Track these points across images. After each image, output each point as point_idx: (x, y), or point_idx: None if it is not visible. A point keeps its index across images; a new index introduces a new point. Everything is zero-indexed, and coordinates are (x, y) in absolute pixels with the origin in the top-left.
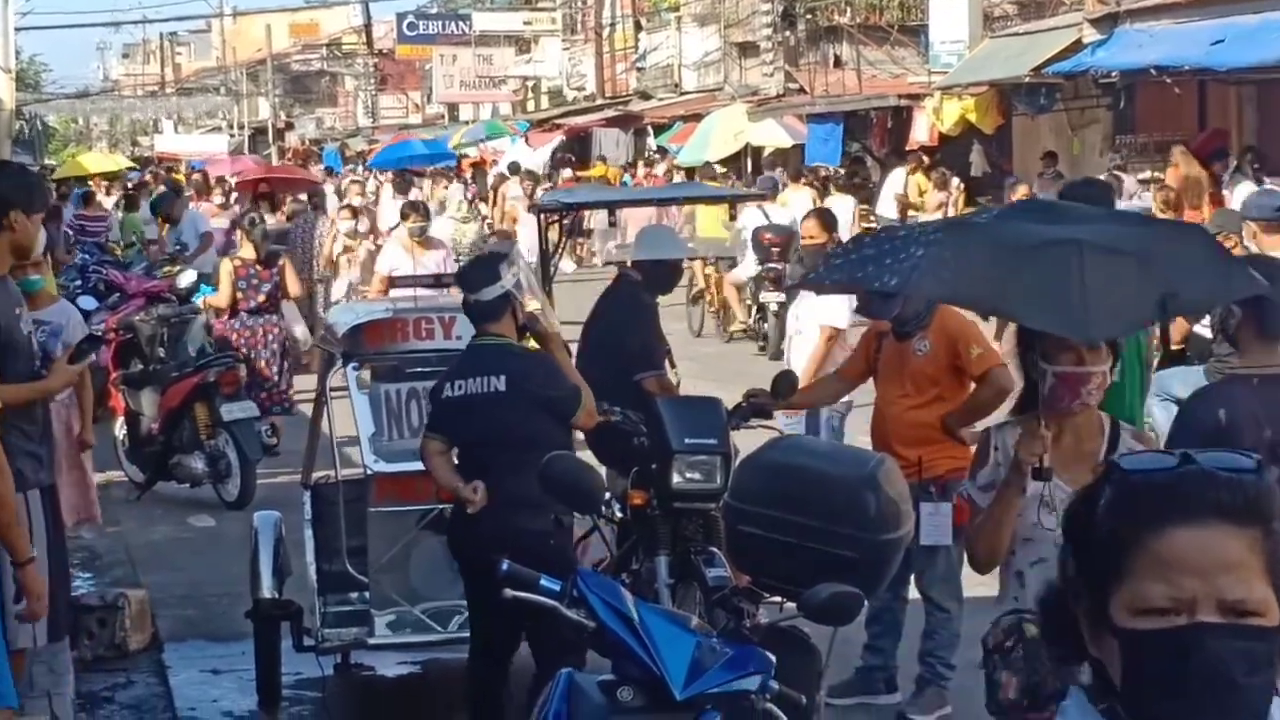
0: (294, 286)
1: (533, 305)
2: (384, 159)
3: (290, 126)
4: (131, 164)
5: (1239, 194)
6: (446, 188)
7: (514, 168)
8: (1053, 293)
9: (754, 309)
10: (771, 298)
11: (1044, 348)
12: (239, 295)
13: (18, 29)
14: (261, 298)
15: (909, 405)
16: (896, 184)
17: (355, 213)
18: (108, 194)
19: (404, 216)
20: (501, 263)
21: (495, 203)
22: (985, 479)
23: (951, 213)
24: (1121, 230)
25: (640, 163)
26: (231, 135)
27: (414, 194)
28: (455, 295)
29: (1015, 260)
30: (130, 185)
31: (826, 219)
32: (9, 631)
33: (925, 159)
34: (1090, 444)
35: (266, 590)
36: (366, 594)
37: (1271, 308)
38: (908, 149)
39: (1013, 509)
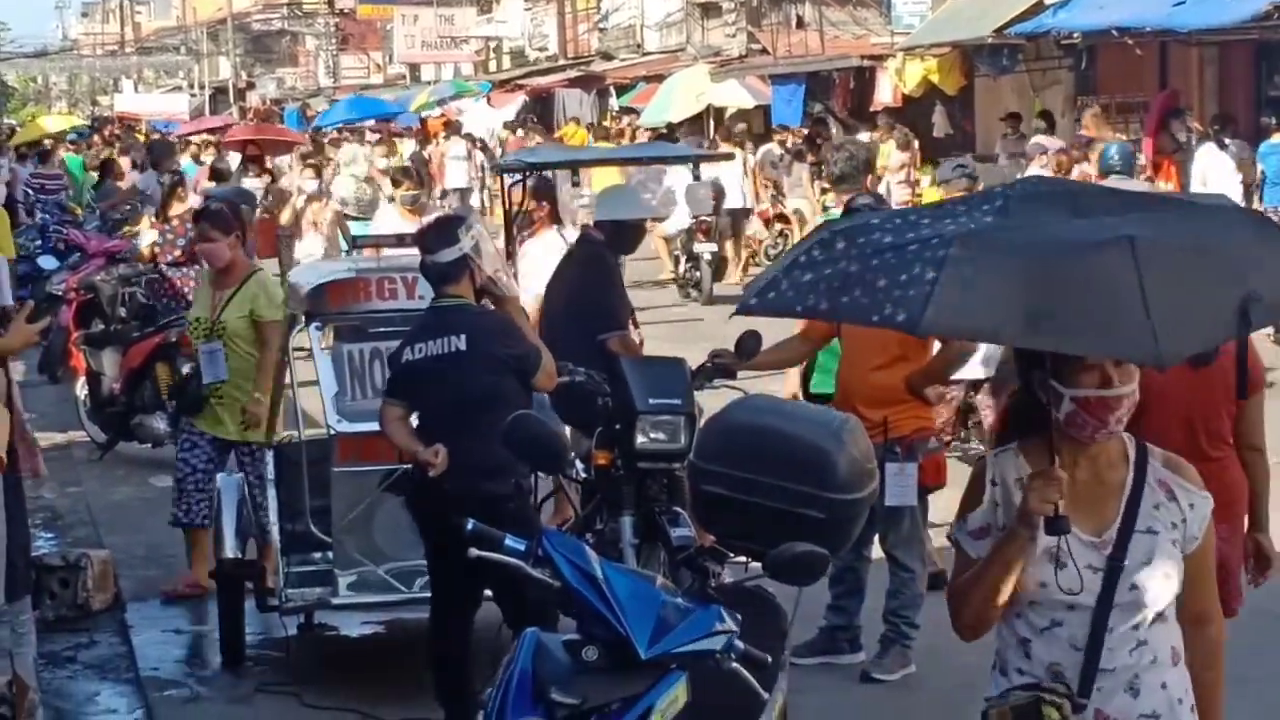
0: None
1: (490, 268)
2: (332, 117)
3: (251, 86)
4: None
5: (1201, 156)
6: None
7: (455, 127)
8: (1110, 311)
9: (684, 259)
10: (704, 248)
11: (1058, 365)
12: (155, 249)
13: None
14: (177, 252)
15: (873, 365)
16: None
17: (319, 171)
18: (64, 152)
19: (395, 184)
20: (460, 225)
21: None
22: (978, 522)
23: (913, 174)
24: (1171, 217)
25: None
26: (192, 95)
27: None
28: (416, 255)
29: (1056, 274)
30: (72, 144)
31: None
32: None
33: (892, 124)
34: (1113, 475)
35: (230, 550)
36: (330, 554)
37: None
38: (872, 110)
39: (1015, 568)
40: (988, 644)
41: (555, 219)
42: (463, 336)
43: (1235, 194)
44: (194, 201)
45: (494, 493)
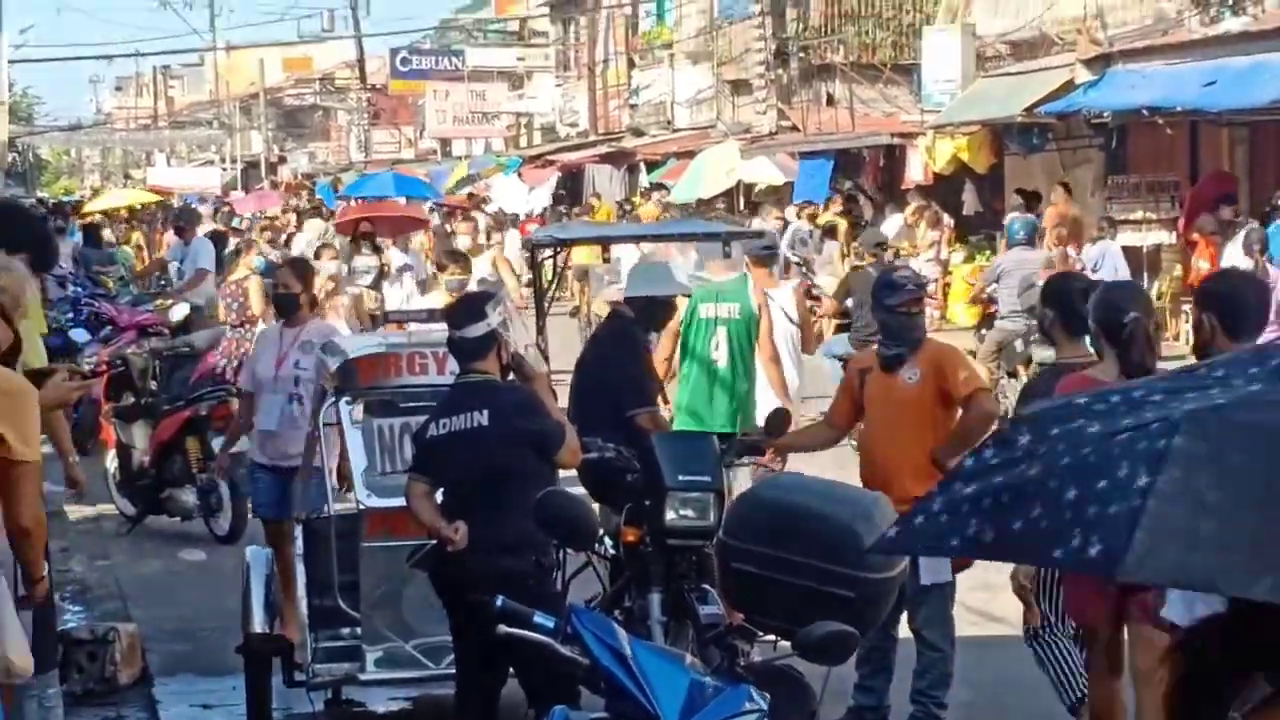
0: None
1: (519, 345)
2: (367, 190)
3: (283, 160)
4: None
5: (1239, 238)
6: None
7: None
8: None
9: None
10: None
11: None
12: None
13: (11, 61)
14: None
15: (903, 440)
16: (892, 230)
17: (337, 254)
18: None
19: (441, 268)
20: (488, 301)
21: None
22: None
23: (944, 252)
24: None
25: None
26: (224, 169)
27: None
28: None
29: None
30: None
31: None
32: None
33: (926, 204)
34: None
35: (258, 625)
36: (358, 629)
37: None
38: (903, 188)
39: None
40: None
41: None
42: (485, 412)
43: None
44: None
45: (513, 569)
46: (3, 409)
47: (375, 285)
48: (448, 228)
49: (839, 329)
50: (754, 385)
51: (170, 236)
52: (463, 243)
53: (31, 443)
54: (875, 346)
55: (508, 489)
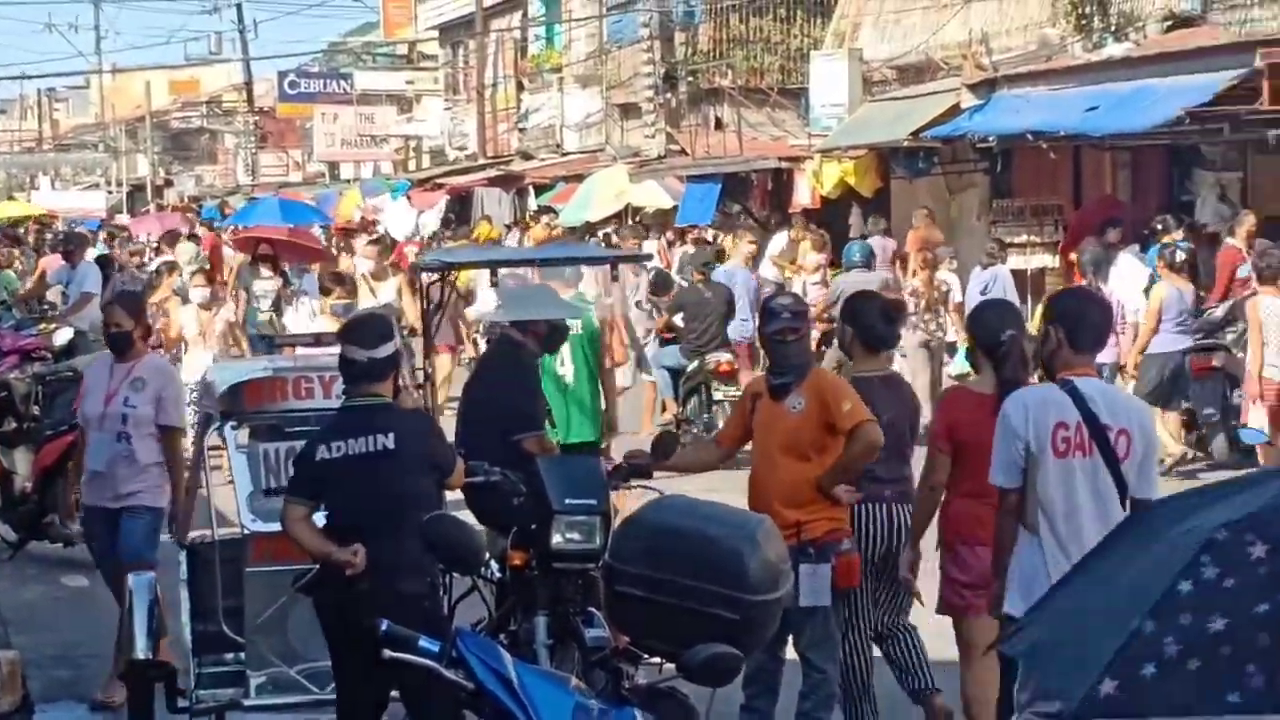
0: None
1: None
2: (255, 218)
3: (169, 183)
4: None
5: (1121, 261)
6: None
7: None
8: None
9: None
10: (727, 390)
11: None
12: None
13: None
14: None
15: (786, 466)
16: (776, 247)
17: (210, 278)
18: None
19: (325, 291)
20: (391, 323)
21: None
22: None
23: (827, 275)
24: None
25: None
26: (110, 192)
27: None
28: (333, 354)
29: None
30: None
31: None
32: None
33: (807, 224)
34: None
35: (141, 651)
36: (242, 654)
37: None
38: (790, 211)
39: None
40: None
41: None
42: (391, 436)
43: (1141, 296)
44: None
45: (412, 591)
46: None
47: (275, 308)
48: (334, 251)
49: (666, 342)
50: (599, 395)
51: (55, 260)
52: (367, 266)
53: None
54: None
55: (405, 512)
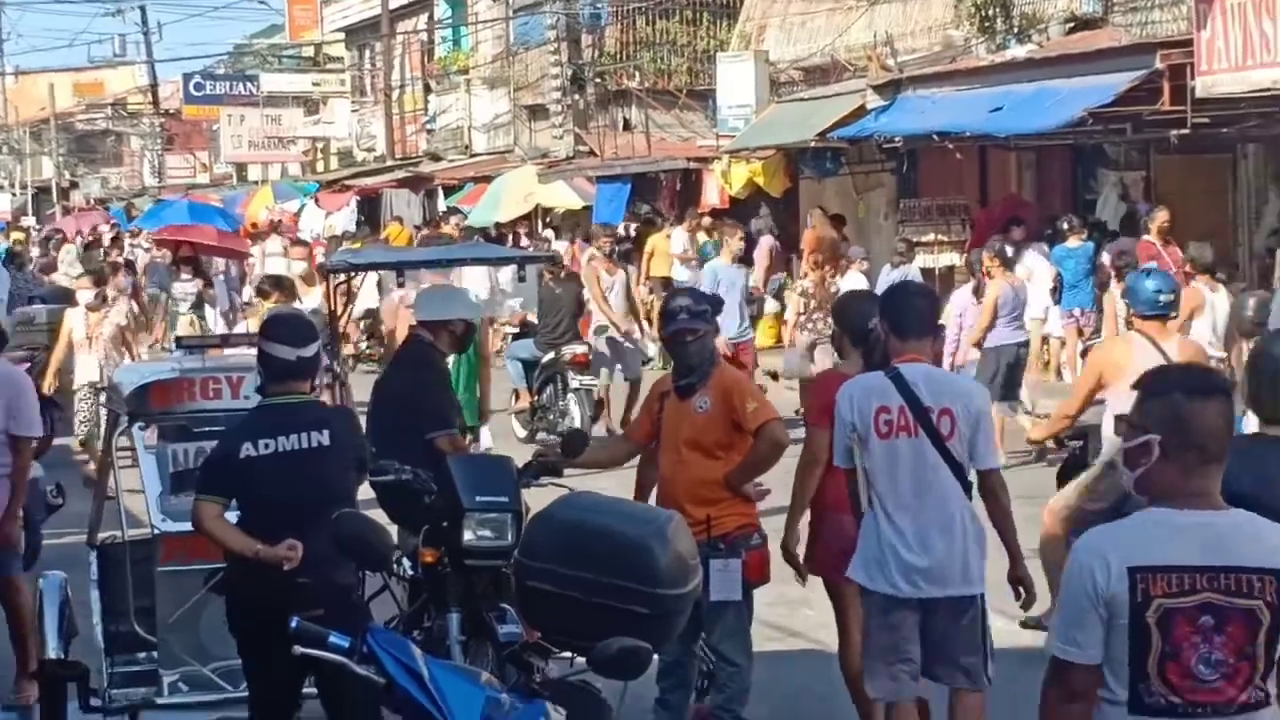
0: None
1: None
2: (162, 220)
3: (75, 186)
4: None
5: (1027, 258)
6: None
7: (277, 226)
8: None
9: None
10: (585, 381)
11: None
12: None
13: None
14: None
15: (694, 463)
16: (679, 244)
17: (99, 280)
18: None
19: (264, 295)
20: (313, 323)
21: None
22: None
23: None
24: None
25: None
26: (14, 194)
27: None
28: (242, 355)
29: None
30: None
31: None
32: None
33: (704, 218)
34: None
35: (52, 651)
36: (155, 653)
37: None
38: (699, 211)
39: None
40: None
41: None
42: (325, 433)
43: (1048, 294)
44: None
45: (345, 583)
46: None
47: (197, 308)
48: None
49: (520, 335)
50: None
51: None
52: (299, 268)
53: None
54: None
55: (334, 507)
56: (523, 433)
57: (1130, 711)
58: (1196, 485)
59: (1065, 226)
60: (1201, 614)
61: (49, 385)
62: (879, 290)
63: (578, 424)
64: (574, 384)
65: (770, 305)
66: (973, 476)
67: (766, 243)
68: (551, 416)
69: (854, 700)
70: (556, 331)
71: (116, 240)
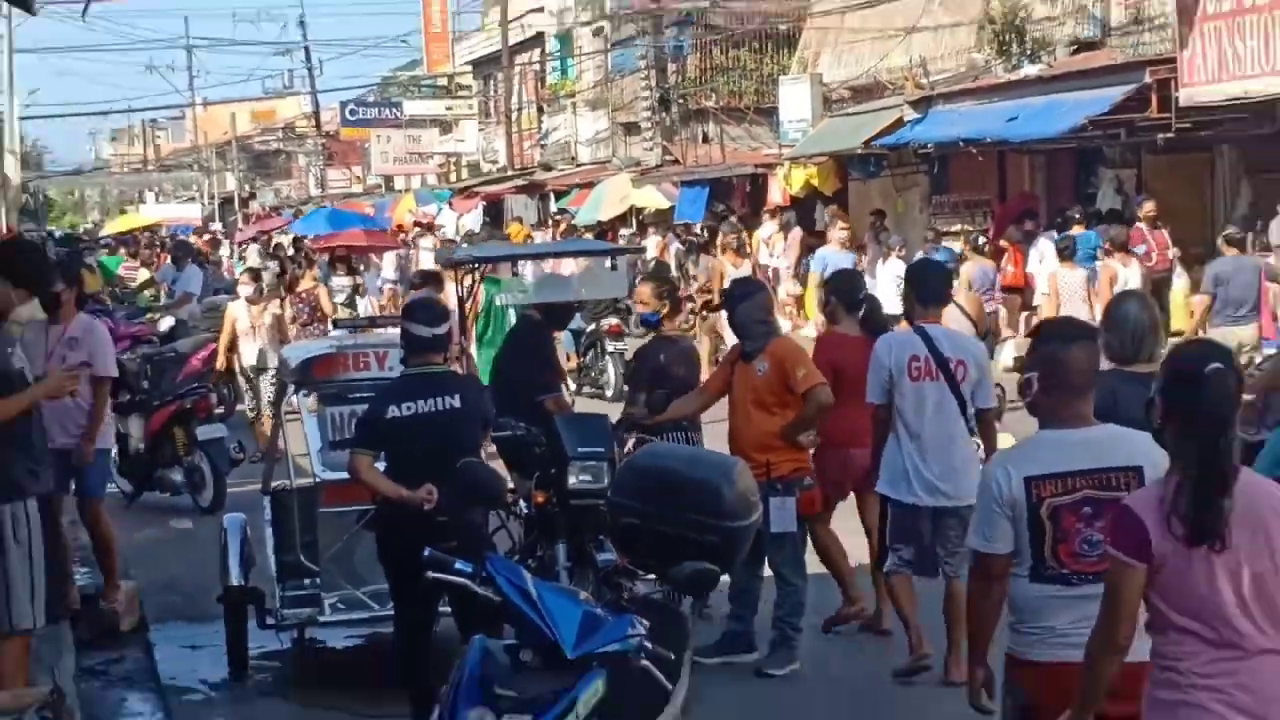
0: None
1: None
2: (310, 228)
3: (253, 196)
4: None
5: (1040, 244)
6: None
7: (430, 227)
8: None
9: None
10: (617, 346)
11: None
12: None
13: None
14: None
15: (756, 418)
16: (767, 230)
17: (257, 276)
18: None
19: (415, 288)
20: (445, 308)
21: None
22: None
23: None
24: None
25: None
26: (203, 204)
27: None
28: (386, 334)
29: None
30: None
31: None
32: (14, 616)
33: (780, 211)
34: None
35: (235, 579)
36: (318, 580)
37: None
38: (765, 209)
39: None
40: (853, 650)
41: None
42: (457, 397)
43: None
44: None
45: (471, 520)
46: None
47: (350, 302)
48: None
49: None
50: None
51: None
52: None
53: None
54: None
55: (460, 458)
56: (573, 386)
57: (1032, 581)
58: (1072, 409)
59: (1075, 216)
60: (1083, 506)
61: (220, 364)
62: None
63: (612, 381)
64: (610, 349)
65: (792, 288)
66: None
67: (796, 234)
68: (593, 374)
69: (881, 597)
70: (598, 307)
71: (296, 244)
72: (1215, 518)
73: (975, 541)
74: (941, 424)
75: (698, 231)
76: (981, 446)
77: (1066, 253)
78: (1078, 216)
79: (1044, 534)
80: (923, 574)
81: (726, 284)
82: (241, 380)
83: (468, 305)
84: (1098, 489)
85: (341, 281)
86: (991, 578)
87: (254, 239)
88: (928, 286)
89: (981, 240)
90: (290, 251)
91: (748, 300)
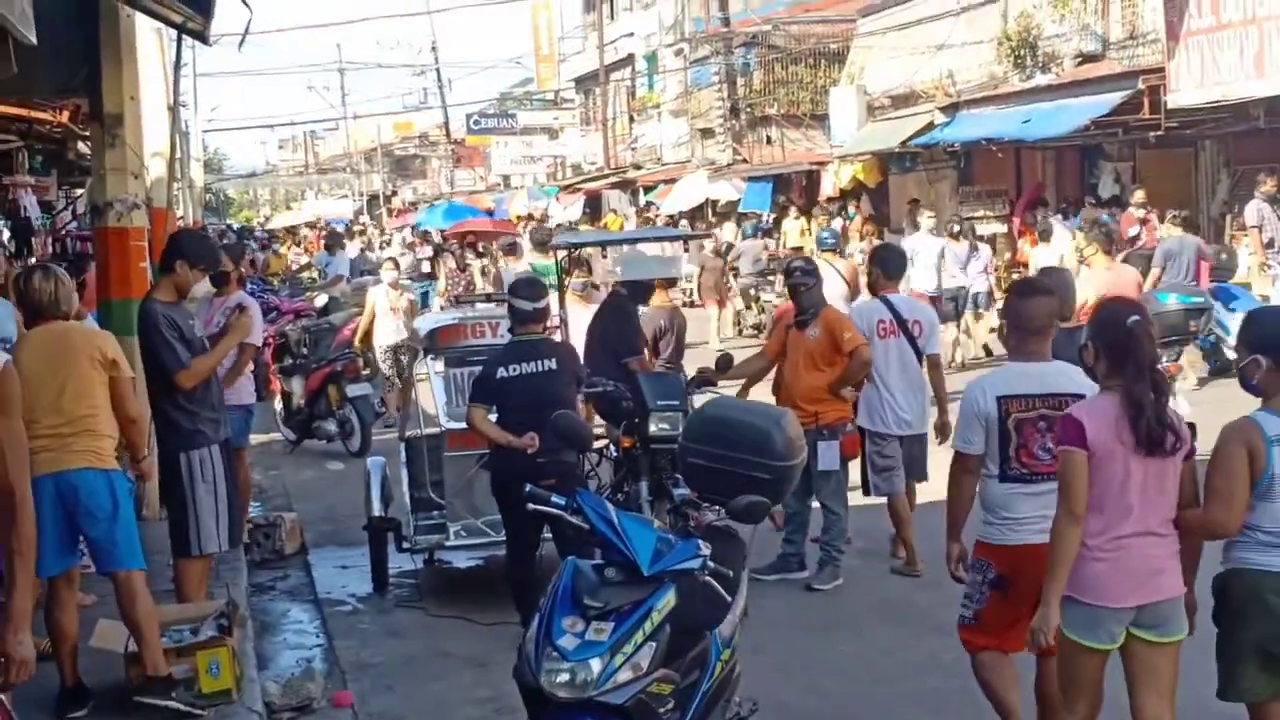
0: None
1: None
2: (432, 221)
3: (395, 194)
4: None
5: (1054, 227)
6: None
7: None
8: None
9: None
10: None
11: None
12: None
13: (205, 130)
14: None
15: (807, 375)
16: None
17: (397, 264)
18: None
19: (567, 273)
20: (543, 285)
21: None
22: None
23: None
24: None
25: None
26: (355, 201)
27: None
28: (497, 308)
29: None
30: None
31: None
32: (203, 541)
33: (831, 207)
34: None
35: (376, 510)
36: (444, 512)
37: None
38: (819, 199)
39: None
40: (885, 569)
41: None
42: (553, 360)
43: (1071, 254)
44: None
45: (570, 460)
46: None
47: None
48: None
49: None
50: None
51: (318, 246)
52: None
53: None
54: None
55: (556, 410)
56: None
57: (1001, 481)
58: (1032, 347)
59: (1090, 202)
60: (1039, 420)
61: (358, 342)
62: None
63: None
64: None
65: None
66: None
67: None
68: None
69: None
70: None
71: (426, 236)
72: (1164, 434)
73: (957, 443)
74: (904, 371)
75: (765, 219)
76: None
77: (1045, 235)
78: (1091, 202)
79: (1010, 440)
80: (893, 491)
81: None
82: (380, 358)
83: (568, 281)
84: (1050, 409)
85: (475, 262)
86: (966, 471)
87: (399, 229)
88: (890, 265)
89: (956, 227)
90: (441, 241)
91: (811, 275)
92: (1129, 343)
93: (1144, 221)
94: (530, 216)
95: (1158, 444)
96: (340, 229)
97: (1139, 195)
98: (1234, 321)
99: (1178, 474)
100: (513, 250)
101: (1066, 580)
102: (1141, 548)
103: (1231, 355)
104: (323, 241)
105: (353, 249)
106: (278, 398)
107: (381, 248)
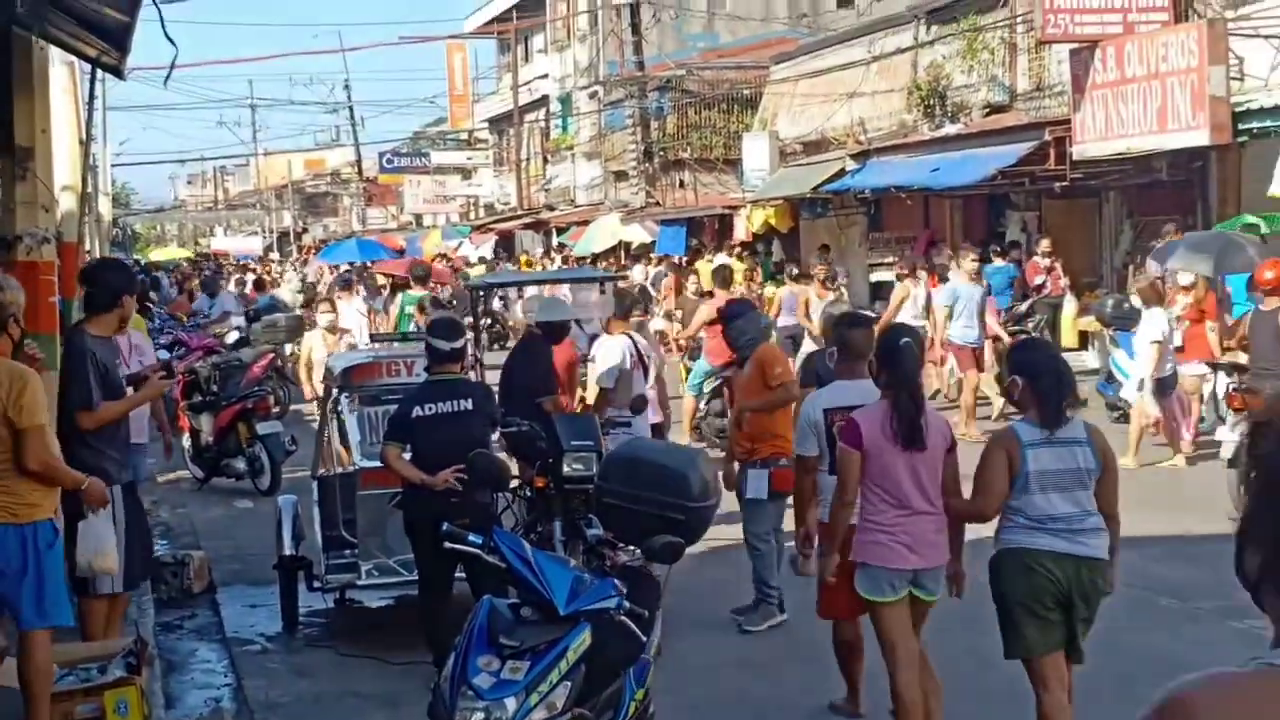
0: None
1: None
2: (339, 256)
3: (305, 230)
4: (198, 256)
5: (953, 275)
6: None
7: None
8: None
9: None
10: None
11: None
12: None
13: (113, 165)
14: None
15: (746, 409)
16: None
17: (334, 306)
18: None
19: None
20: (462, 325)
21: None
22: None
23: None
24: None
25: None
26: (264, 237)
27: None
28: (414, 347)
29: None
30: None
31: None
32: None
33: (736, 247)
34: None
35: (288, 549)
36: (356, 551)
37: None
38: (730, 243)
39: None
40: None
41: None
42: (469, 400)
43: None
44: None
45: (481, 501)
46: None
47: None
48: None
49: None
50: None
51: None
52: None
53: (37, 414)
54: None
55: (472, 450)
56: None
57: (830, 474)
58: (853, 369)
59: (996, 250)
60: None
61: (309, 395)
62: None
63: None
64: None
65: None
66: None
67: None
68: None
69: None
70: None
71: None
72: (919, 432)
73: (796, 449)
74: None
75: (677, 261)
76: None
77: (940, 277)
78: (998, 250)
79: (835, 443)
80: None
81: (813, 311)
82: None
83: (480, 321)
84: None
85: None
86: (806, 471)
87: (305, 263)
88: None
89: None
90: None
91: (740, 318)
92: (898, 359)
93: (1049, 270)
94: (444, 255)
95: (914, 440)
96: (248, 262)
97: (1044, 244)
98: (1132, 368)
99: (941, 465)
100: (347, 287)
101: (838, 545)
102: (913, 524)
103: (1126, 399)
104: (201, 285)
105: (231, 287)
106: (186, 434)
107: (274, 285)
